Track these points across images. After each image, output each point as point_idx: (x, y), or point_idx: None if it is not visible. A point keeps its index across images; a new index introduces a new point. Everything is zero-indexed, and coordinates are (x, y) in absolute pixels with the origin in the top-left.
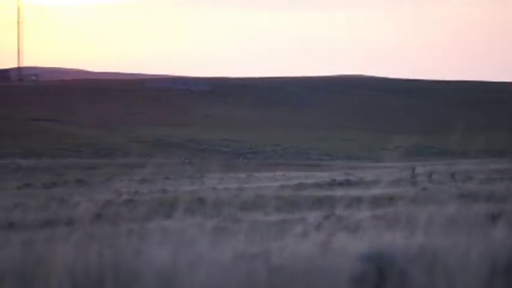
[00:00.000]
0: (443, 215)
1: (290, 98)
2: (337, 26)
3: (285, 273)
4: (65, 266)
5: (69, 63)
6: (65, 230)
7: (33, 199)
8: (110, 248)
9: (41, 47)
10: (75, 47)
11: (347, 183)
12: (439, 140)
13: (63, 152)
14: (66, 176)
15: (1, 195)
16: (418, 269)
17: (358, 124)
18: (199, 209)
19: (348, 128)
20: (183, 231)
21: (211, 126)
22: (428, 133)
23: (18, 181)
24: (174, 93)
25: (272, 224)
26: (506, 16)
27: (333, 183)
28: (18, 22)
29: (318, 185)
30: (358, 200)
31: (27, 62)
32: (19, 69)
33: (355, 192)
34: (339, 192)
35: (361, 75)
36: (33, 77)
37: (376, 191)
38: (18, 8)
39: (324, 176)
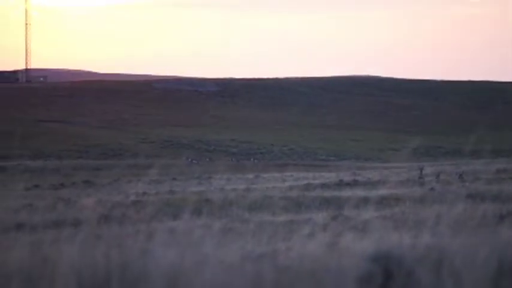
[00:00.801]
0: (450, 215)
1: (298, 99)
2: (346, 26)
3: (292, 274)
4: (72, 267)
5: (77, 65)
6: (73, 230)
7: (41, 200)
8: (117, 248)
9: (48, 49)
10: (83, 48)
11: (355, 184)
12: (447, 140)
13: (71, 153)
14: (74, 177)
15: (9, 196)
16: (425, 269)
17: (367, 124)
18: (207, 210)
19: (356, 128)
20: (190, 231)
21: (219, 127)
22: (437, 133)
23: (26, 182)
24: (182, 94)
25: (279, 224)
26: None
27: (340, 184)
28: (26, 24)
29: (326, 186)
30: (365, 201)
31: (35, 63)
32: (27, 71)
33: (362, 192)
34: (346, 193)
35: (369, 76)
36: (41, 79)
37: (384, 191)
38: (26, 10)
39: (331, 176)
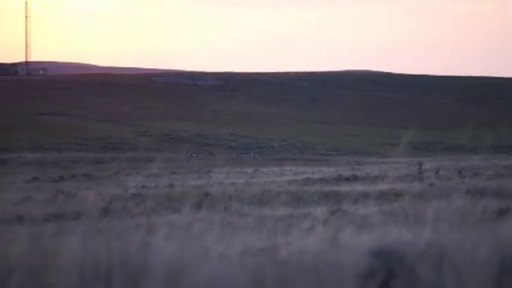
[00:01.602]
0: (450, 211)
1: (298, 93)
2: (345, 22)
3: (292, 268)
4: (73, 260)
5: (77, 58)
6: (73, 223)
7: (40, 193)
8: (117, 241)
9: (48, 42)
10: (83, 41)
11: (354, 179)
12: (447, 135)
13: (70, 146)
14: (74, 170)
15: (9, 189)
16: (426, 264)
17: (366, 119)
18: (206, 204)
19: (355, 123)
20: (190, 225)
21: (219, 121)
22: (436, 129)
23: (26, 175)
24: (182, 88)
25: (279, 218)
26: None
27: (339, 179)
28: (26, 16)
29: (325, 180)
30: (364, 195)
31: (35, 56)
32: (27, 64)
33: (361, 187)
34: (345, 188)
35: (368, 71)
36: (41, 71)
37: (383, 186)
38: (26, 3)
39: (331, 171)
